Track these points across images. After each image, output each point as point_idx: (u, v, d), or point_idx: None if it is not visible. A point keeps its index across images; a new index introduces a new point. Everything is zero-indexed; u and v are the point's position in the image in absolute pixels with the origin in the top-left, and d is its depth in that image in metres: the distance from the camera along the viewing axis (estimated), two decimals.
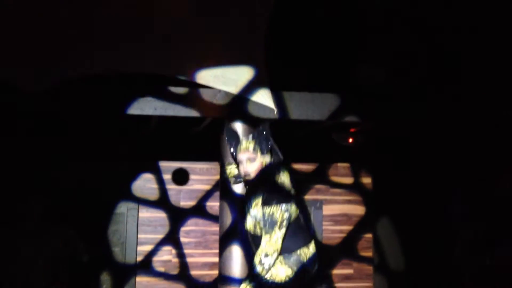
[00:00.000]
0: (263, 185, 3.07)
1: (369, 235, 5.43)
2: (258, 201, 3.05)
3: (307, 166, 5.32)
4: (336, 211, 5.38)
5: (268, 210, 2.99)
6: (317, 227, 5.30)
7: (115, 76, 3.71)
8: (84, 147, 4.79)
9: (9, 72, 3.35)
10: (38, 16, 3.02)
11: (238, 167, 3.24)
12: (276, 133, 3.20)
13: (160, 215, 5.03)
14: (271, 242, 2.98)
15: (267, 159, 3.14)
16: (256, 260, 2.98)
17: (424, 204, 5.03)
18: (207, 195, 5.13)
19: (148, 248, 4.98)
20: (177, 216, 5.06)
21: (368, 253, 5.43)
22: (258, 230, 3.05)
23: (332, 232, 5.36)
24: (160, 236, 4.98)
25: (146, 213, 5.00)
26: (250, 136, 3.18)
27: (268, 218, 2.99)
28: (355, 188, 5.43)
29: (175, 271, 5.00)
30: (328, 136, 5.04)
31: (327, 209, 5.36)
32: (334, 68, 4.49)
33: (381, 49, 4.39)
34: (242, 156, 3.12)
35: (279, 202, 2.98)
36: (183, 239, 5.04)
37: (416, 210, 5.08)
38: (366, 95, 4.09)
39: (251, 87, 3.70)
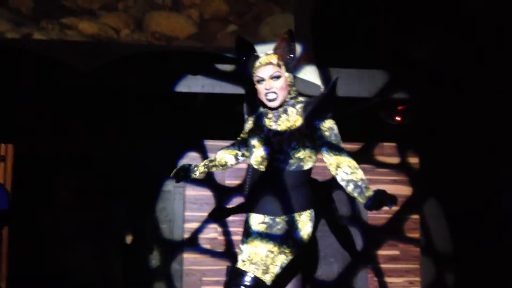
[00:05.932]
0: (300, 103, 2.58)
1: (416, 216, 5.34)
2: (295, 119, 2.56)
3: (352, 145, 5.24)
4: None
5: (326, 123, 2.51)
6: (362, 207, 5.24)
7: (163, 54, 3.78)
8: (132, 124, 4.90)
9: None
10: None
11: (256, 93, 2.65)
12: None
13: (206, 193, 5.11)
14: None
15: (291, 79, 2.62)
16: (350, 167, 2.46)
17: (473, 186, 4.89)
18: None
19: (195, 225, 5.07)
20: (222, 194, 5.12)
21: (415, 235, 5.34)
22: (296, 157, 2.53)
23: (377, 212, 5.26)
24: (206, 214, 5.06)
25: (192, 192, 5.09)
26: (271, 51, 2.63)
27: (331, 132, 2.52)
28: (402, 168, 5.34)
29: (220, 249, 5.09)
30: (375, 115, 4.96)
31: None
32: (383, 44, 4.41)
33: (431, 23, 4.27)
34: (263, 72, 2.57)
35: (332, 116, 2.52)
36: (228, 217, 5.10)
37: (465, 191, 4.95)
38: (414, 70, 4.01)
39: (297, 64, 3.70)
